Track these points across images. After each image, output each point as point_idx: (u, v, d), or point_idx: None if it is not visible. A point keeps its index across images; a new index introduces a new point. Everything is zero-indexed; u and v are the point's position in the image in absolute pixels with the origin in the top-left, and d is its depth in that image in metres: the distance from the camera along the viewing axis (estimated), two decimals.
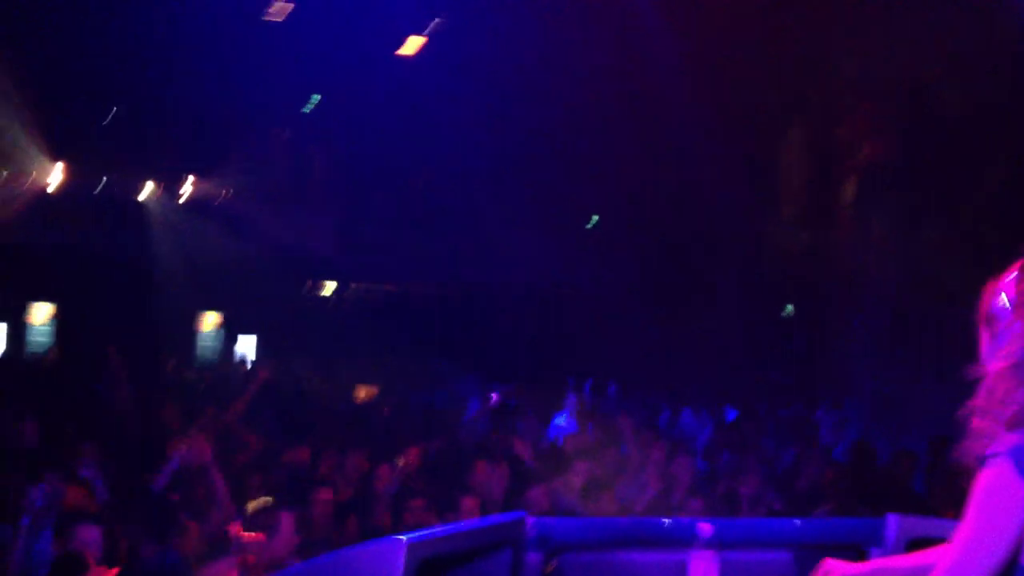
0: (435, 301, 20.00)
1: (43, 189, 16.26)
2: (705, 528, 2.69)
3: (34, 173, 16.13)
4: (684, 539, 2.75)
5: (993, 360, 2.17)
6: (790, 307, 17.55)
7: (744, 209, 16.18)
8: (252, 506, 4.98)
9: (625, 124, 16.39)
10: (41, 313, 17.70)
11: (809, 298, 16.44)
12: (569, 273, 18.12)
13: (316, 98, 19.14)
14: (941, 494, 6.46)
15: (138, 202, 17.23)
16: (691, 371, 15.04)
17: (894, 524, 2.96)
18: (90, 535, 4.81)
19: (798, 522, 3.06)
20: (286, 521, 4.71)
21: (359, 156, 18.48)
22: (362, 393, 13.91)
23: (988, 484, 2.03)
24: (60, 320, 17.68)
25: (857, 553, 2.96)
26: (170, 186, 17.81)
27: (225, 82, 16.57)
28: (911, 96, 13.60)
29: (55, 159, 16.36)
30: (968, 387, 2.25)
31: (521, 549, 2.69)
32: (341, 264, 19.51)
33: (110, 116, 18.01)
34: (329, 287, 20.45)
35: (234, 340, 18.73)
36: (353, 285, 20.59)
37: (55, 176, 16.48)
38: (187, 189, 18.00)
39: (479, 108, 16.66)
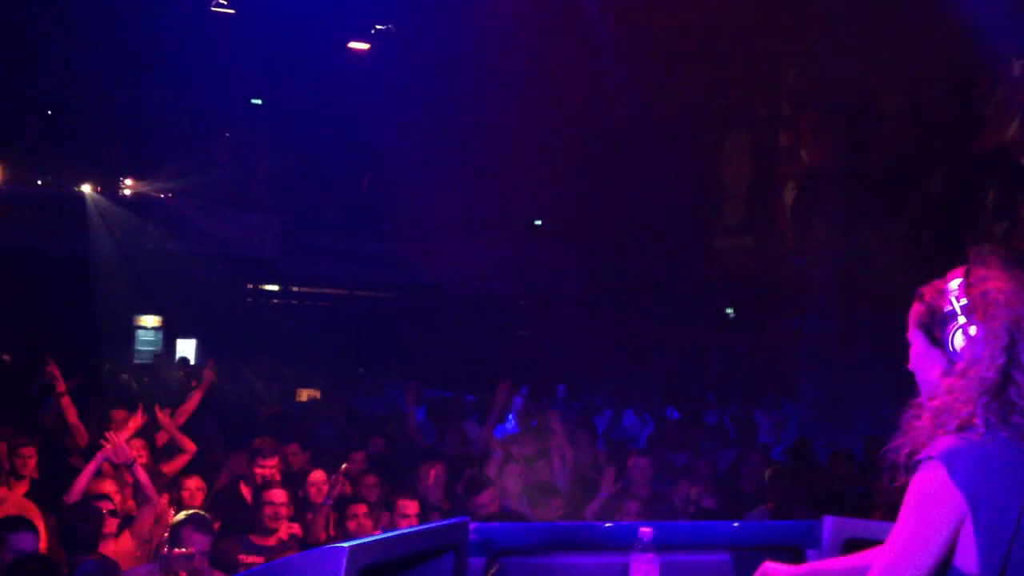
0: (379, 305, 19.93)
1: None
2: (646, 532, 2.71)
3: None
4: (625, 542, 2.77)
5: (938, 363, 2.19)
6: (731, 309, 17.76)
7: (687, 212, 16.33)
8: (176, 519, 4.92)
9: (570, 127, 16.47)
10: None
11: (751, 300, 16.64)
12: (514, 277, 18.16)
13: (258, 101, 19.00)
14: (878, 495, 6.56)
15: (76, 203, 16.95)
16: (634, 373, 15.15)
17: (830, 525, 3.01)
18: (26, 542, 4.73)
19: (736, 524, 3.10)
20: (196, 537, 4.67)
21: (304, 159, 18.35)
22: (304, 397, 13.80)
23: (922, 487, 2.06)
24: None
25: (794, 554, 3.00)
26: (109, 186, 17.55)
27: (168, 81, 16.39)
28: (852, 101, 13.83)
29: None
30: (904, 388, 2.28)
31: (463, 554, 2.69)
32: (284, 268, 19.36)
33: (47, 116, 17.73)
34: (272, 291, 20.28)
35: (173, 343, 18.49)
36: (296, 289, 20.43)
37: None
38: (127, 190, 17.75)
39: (424, 111, 16.64)
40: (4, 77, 16.01)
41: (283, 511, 5.86)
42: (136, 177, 17.82)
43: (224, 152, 19.05)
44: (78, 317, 15.58)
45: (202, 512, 5.09)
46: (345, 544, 2.24)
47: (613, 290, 17.25)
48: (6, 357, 14.56)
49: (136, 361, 17.44)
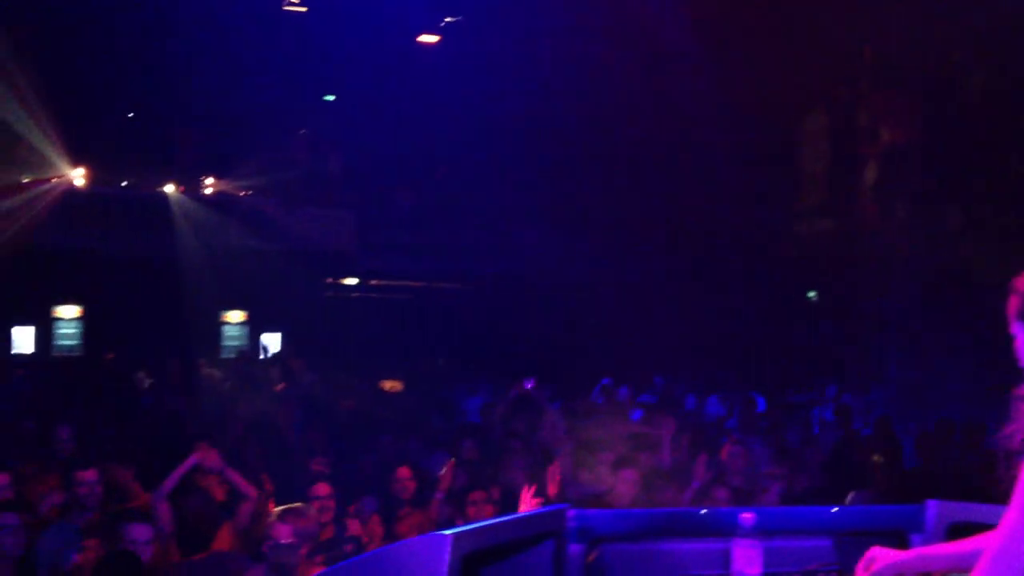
0: (457, 296, 20.02)
1: (67, 192, 16.38)
2: (747, 517, 2.69)
3: (57, 177, 16.26)
4: (725, 529, 2.76)
5: None
6: (813, 293, 17.50)
7: (767, 195, 16.13)
8: (278, 511, 5.03)
9: (644, 114, 16.36)
10: (68, 314, 17.85)
11: (834, 284, 16.39)
12: (592, 267, 18.10)
13: (331, 97, 19.22)
14: (977, 478, 6.44)
15: (161, 202, 17.32)
16: (717, 359, 15.02)
17: (934, 510, 2.96)
18: (140, 534, 4.85)
19: (838, 509, 3.06)
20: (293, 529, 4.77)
21: (378, 152, 18.50)
22: (386, 387, 13.95)
23: None
24: (87, 321, 17.83)
25: (898, 539, 2.96)
26: (192, 186, 17.90)
27: (243, 81, 16.65)
28: (933, 78, 13.52)
29: (78, 163, 16.49)
30: (996, 371, 2.24)
31: (563, 540, 2.71)
32: (362, 261, 19.55)
33: (129, 119, 18.14)
34: (350, 284, 20.50)
35: (258, 337, 18.82)
36: (374, 282, 20.62)
37: (78, 179, 16.61)
38: (208, 189, 18.09)
39: (498, 102, 16.66)
40: (87, 82, 16.42)
41: (330, 504, 6.01)
42: (216, 176, 18.15)
43: (300, 149, 19.30)
44: (167, 314, 15.93)
45: (299, 504, 5.19)
46: (448, 531, 2.27)
47: (693, 276, 17.10)
48: (110, 356, 14.99)
49: (223, 356, 17.78)
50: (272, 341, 18.66)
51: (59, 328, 17.86)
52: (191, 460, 6.12)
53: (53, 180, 16.21)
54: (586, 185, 18.38)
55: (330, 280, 20.00)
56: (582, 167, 17.94)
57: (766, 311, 16.38)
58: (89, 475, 5.86)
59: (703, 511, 3.04)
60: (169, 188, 17.57)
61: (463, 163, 18.50)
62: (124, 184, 17.75)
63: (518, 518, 2.65)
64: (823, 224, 16.28)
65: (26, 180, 15.99)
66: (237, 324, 19.01)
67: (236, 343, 18.63)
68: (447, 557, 2.24)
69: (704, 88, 14.58)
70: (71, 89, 15.91)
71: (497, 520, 2.58)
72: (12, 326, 17.24)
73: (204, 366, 13.86)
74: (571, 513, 2.77)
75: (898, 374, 13.70)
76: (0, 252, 15.00)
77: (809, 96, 16.09)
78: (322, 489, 6.09)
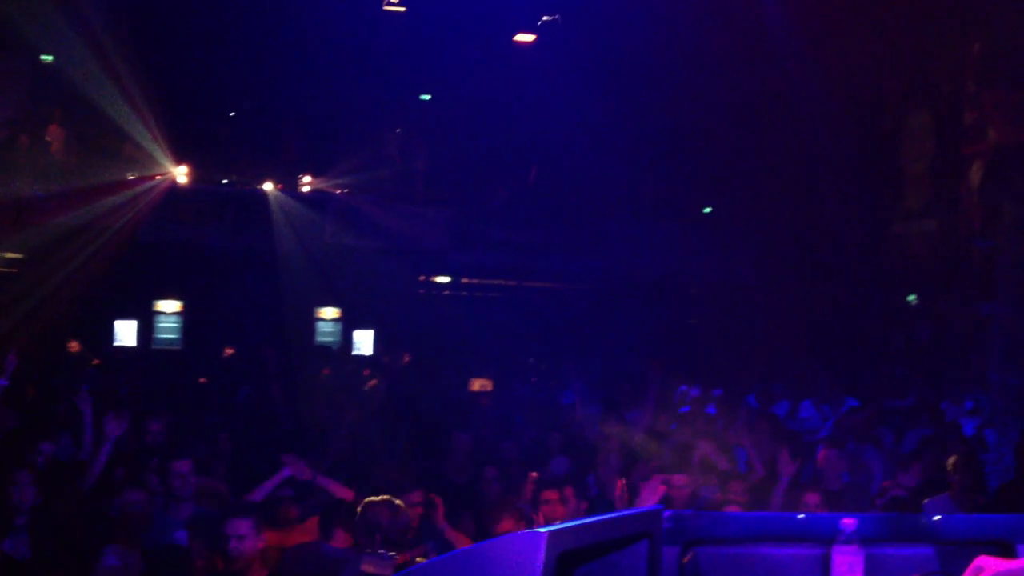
0: (549, 294, 20.01)
1: (170, 189, 16.83)
2: (848, 523, 2.63)
3: (161, 175, 16.72)
4: (825, 534, 2.70)
5: None
6: (913, 296, 17.07)
7: (866, 196, 15.79)
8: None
9: (744, 113, 16.15)
10: (169, 308, 18.31)
11: (934, 287, 15.97)
12: (687, 266, 17.94)
13: (427, 96, 19.38)
14: None
15: (260, 199, 17.66)
16: (811, 363, 14.75)
17: None
18: (242, 528, 4.97)
19: (942, 517, 2.98)
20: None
21: (472, 150, 18.60)
22: (476, 387, 14.00)
23: None
24: (186, 315, 18.26)
25: (1004, 549, 2.86)
26: (289, 183, 18.22)
27: (342, 81, 16.89)
28: None
29: (181, 161, 16.93)
30: None
31: (658, 541, 2.68)
32: (454, 259, 19.66)
33: (231, 118, 18.56)
34: (443, 282, 20.64)
35: (351, 334, 19.06)
36: (466, 280, 20.72)
37: (181, 177, 17.05)
38: (305, 186, 18.38)
39: (592, 100, 16.61)
40: (191, 83, 16.85)
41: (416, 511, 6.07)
42: (314, 174, 18.43)
43: (395, 147, 19.50)
44: (263, 309, 16.25)
45: (391, 498, 5.27)
46: (544, 529, 2.26)
47: (788, 277, 16.82)
48: (229, 350, 15.29)
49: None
50: (364, 338, 18.88)
51: (160, 322, 18.31)
52: (281, 474, 6.27)
53: (157, 177, 16.66)
54: (681, 184, 18.23)
55: (423, 278, 20.15)
56: (678, 165, 17.79)
57: (864, 314, 16.04)
58: (182, 466, 6.00)
59: (801, 516, 2.98)
60: (268, 185, 17.90)
61: (558, 161, 18.49)
62: (225, 181, 18.14)
63: (613, 518, 2.63)
64: (926, 225, 15.87)
65: (132, 177, 16.46)
66: (330, 320, 19.27)
67: (329, 339, 18.90)
68: (542, 555, 2.23)
69: (808, 86, 14.33)
70: (176, 90, 16.36)
71: (593, 519, 2.56)
72: (115, 319, 17.72)
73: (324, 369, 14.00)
74: (667, 514, 2.74)
75: (999, 379, 13.28)
76: (105, 247, 15.47)
77: (914, 95, 15.71)
78: (416, 497, 6.16)
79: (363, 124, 18.46)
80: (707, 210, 19.68)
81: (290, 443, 7.66)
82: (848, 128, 15.04)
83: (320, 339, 18.89)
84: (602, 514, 2.72)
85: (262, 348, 12.08)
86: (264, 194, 17.76)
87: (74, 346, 14.50)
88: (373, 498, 5.15)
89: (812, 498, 6.47)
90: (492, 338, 16.63)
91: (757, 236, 17.46)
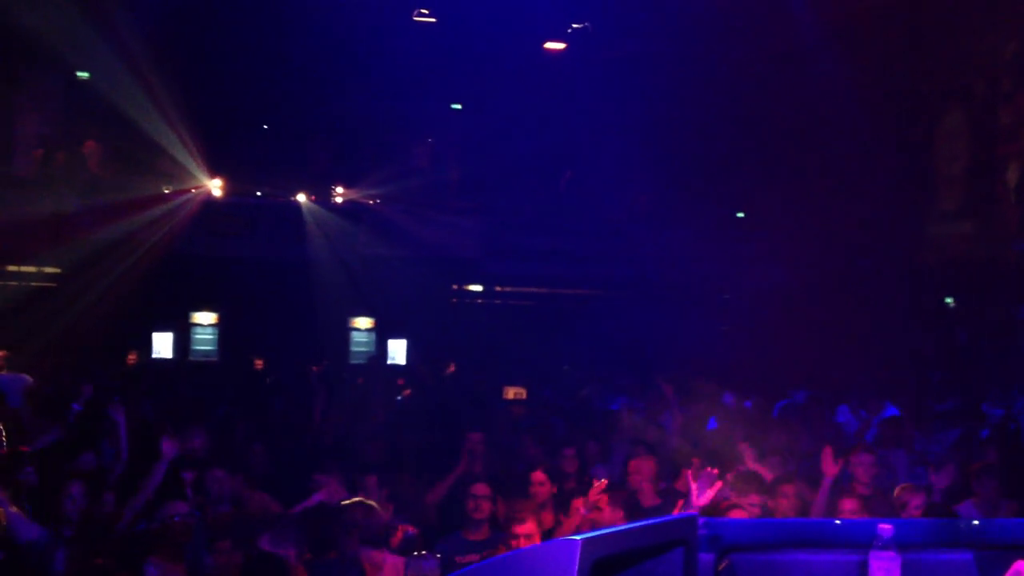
0: (582, 302, 20.00)
1: (205, 202, 16.99)
2: (886, 528, 2.62)
3: (196, 188, 16.88)
4: (862, 540, 2.69)
5: None
6: (950, 299, 16.90)
7: (900, 198, 15.65)
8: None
9: (777, 115, 16.07)
10: (205, 320, 18.47)
11: (971, 289, 15.80)
12: (720, 272, 17.86)
13: (458, 106, 19.43)
14: None
15: (293, 211, 17.79)
16: (847, 367, 14.63)
17: None
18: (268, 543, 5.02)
19: (982, 522, 2.95)
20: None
21: (504, 159, 18.63)
22: (511, 395, 14.01)
23: None
24: (222, 326, 18.41)
25: None
26: (322, 194, 18.33)
27: (373, 91, 16.98)
28: None
29: (215, 174, 17.09)
30: None
31: (693, 549, 2.68)
32: (487, 268, 19.69)
33: (263, 130, 18.71)
34: (475, 291, 20.68)
35: (385, 344, 19.13)
36: (499, 288, 20.74)
37: (216, 190, 17.21)
38: (338, 197, 18.49)
39: (623, 107, 16.60)
40: (223, 98, 17.01)
41: (485, 505, 6.06)
42: (346, 185, 18.53)
43: (427, 157, 19.57)
44: (298, 320, 16.35)
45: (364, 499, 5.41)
46: (579, 536, 2.27)
47: (823, 281, 16.70)
48: (259, 362, 15.42)
49: (352, 362, 18.12)
50: (398, 348, 18.95)
51: (196, 334, 18.47)
52: (317, 497, 6.34)
53: (192, 191, 16.83)
54: (714, 189, 18.15)
55: (456, 287, 20.19)
56: (710, 171, 17.73)
57: (900, 317, 15.90)
58: (219, 472, 6.08)
59: (838, 521, 2.97)
60: (301, 197, 18.02)
61: (589, 169, 18.48)
62: (259, 194, 18.29)
63: (649, 525, 2.63)
64: (962, 227, 15.71)
65: (167, 191, 16.64)
66: (365, 330, 19.36)
67: (364, 349, 18.97)
68: (577, 562, 2.24)
69: (841, 87, 14.24)
70: (209, 104, 16.52)
71: (628, 527, 2.56)
72: (152, 332, 17.89)
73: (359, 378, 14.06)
74: (702, 521, 2.74)
75: None
76: (142, 260, 15.64)
77: (949, 96, 15.57)
78: (480, 489, 6.20)
79: (395, 134, 18.54)
80: (740, 215, 19.59)
81: (325, 457, 7.71)
82: (883, 130, 14.91)
83: (354, 348, 18.98)
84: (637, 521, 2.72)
85: (301, 363, 12.16)
86: (298, 205, 17.87)
87: (132, 358, 14.67)
88: (347, 500, 5.24)
89: (849, 504, 6.41)
90: (525, 346, 16.64)
91: (791, 241, 17.35)
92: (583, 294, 20.01)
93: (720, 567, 2.79)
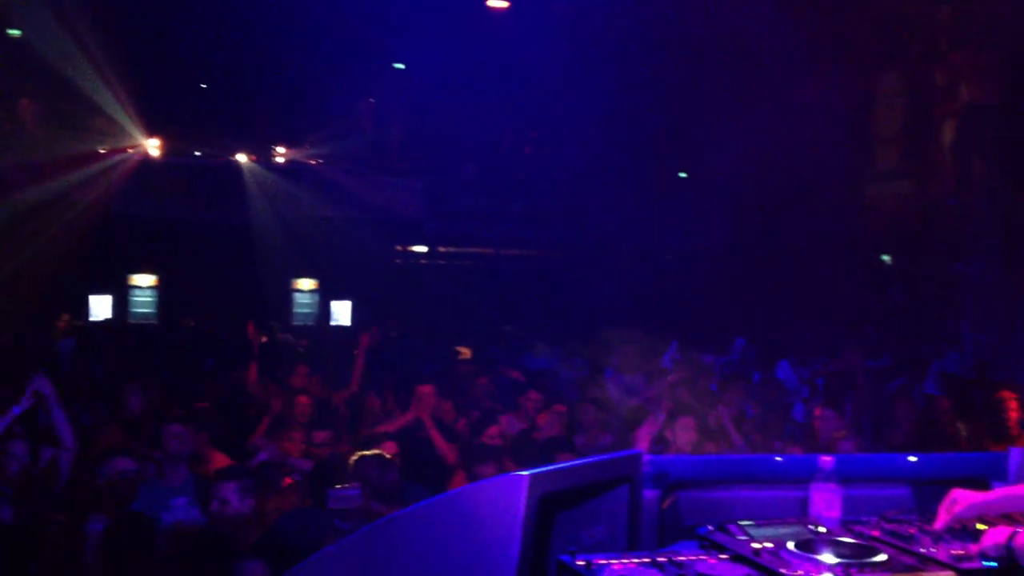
0: (524, 263, 20.03)
1: (142, 162, 16.70)
2: (827, 462, 2.67)
3: (133, 147, 16.58)
4: (804, 475, 2.74)
5: None
6: (887, 257, 17.18)
7: (837, 158, 15.83)
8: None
9: (716, 73, 16.13)
10: (143, 282, 18.21)
11: (908, 247, 16.07)
12: (660, 231, 17.96)
13: (401, 65, 19.25)
14: None
15: (233, 171, 17.56)
16: (787, 325, 14.84)
17: (1017, 457, 2.92)
18: (231, 491, 4.99)
19: (920, 457, 3.02)
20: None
21: (446, 119, 18.53)
22: (466, 355, 14.03)
23: None
24: (162, 289, 18.18)
25: (979, 487, 2.91)
26: (263, 155, 18.12)
27: (314, 51, 16.74)
28: (1011, 35, 13.13)
29: (152, 133, 16.79)
30: None
31: (638, 485, 2.71)
32: (430, 229, 19.63)
33: (201, 90, 18.39)
34: (419, 252, 20.61)
35: (328, 305, 19.03)
36: (442, 249, 20.70)
37: (153, 149, 16.92)
38: (279, 158, 18.29)
39: (568, 67, 16.54)
40: (161, 55, 16.68)
41: None
42: (288, 145, 18.33)
43: (369, 117, 19.41)
44: (239, 282, 16.18)
45: (381, 452, 5.38)
46: (526, 472, 2.28)
47: (762, 241, 16.89)
48: (191, 323, 15.27)
49: (295, 323, 18.00)
50: (342, 309, 18.85)
51: (135, 296, 18.22)
52: (258, 459, 6.33)
53: (129, 150, 16.53)
54: (655, 150, 18.21)
55: (399, 248, 20.12)
56: (651, 132, 17.77)
57: (837, 275, 16.14)
58: (176, 428, 6.01)
59: (779, 458, 3.02)
60: (241, 157, 17.79)
61: (532, 130, 18.45)
62: (198, 154, 18.01)
63: (594, 461, 2.65)
64: (899, 186, 15.94)
65: (103, 151, 16.32)
66: (308, 292, 19.23)
67: (307, 311, 18.85)
68: (524, 497, 2.25)
69: (777, 47, 14.31)
70: (146, 62, 16.18)
71: (574, 463, 2.58)
72: (89, 294, 17.62)
73: (277, 331, 14.04)
74: (647, 459, 2.77)
75: (972, 337, 13.40)
76: (78, 221, 15.36)
77: (885, 55, 15.73)
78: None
79: (337, 94, 18.33)
80: (682, 175, 19.71)
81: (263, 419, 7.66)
82: (819, 90, 15.04)
83: (297, 310, 18.85)
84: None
85: (242, 323, 12.01)
86: (238, 165, 17.65)
87: (64, 319, 14.41)
88: (364, 452, 5.20)
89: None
90: (470, 307, 16.64)
91: (731, 200, 17.50)
92: (526, 255, 20.04)
93: (664, 504, 2.82)
